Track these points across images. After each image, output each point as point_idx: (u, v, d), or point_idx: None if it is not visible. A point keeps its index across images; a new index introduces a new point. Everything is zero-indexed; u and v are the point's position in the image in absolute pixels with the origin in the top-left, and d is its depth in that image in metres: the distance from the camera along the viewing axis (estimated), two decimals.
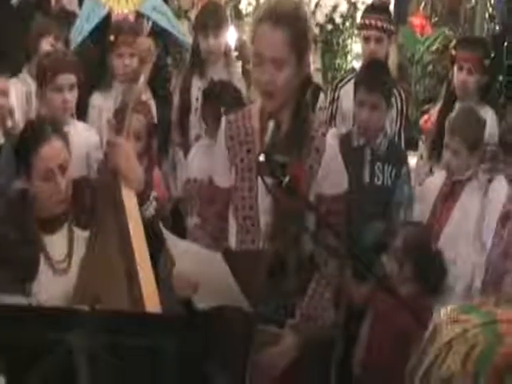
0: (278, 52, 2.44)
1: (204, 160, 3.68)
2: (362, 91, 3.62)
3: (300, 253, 2.57)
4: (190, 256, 2.48)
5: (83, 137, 3.67)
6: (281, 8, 2.48)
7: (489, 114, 3.77)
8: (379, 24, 4.16)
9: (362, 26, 4.30)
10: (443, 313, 1.20)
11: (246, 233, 2.60)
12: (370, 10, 4.42)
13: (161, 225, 2.65)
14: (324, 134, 2.57)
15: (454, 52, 4.09)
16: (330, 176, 2.58)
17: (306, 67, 2.54)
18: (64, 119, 3.52)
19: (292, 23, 2.45)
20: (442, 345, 1.15)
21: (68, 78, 3.58)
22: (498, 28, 5.46)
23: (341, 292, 2.63)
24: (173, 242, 2.50)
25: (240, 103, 3.68)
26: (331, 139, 2.59)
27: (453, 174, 3.45)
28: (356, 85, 3.74)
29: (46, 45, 3.98)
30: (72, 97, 3.61)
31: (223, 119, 2.69)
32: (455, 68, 3.98)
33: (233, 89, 3.86)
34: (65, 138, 2.73)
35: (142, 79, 2.94)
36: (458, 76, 3.95)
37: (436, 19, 6.14)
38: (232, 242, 2.65)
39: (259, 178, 2.42)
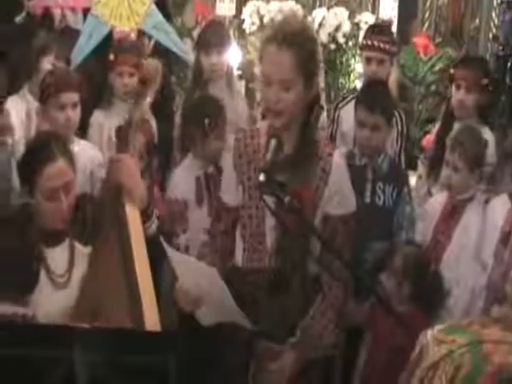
0: (284, 74, 2.45)
1: (187, 181, 3.72)
2: (362, 112, 3.62)
3: (304, 273, 2.57)
4: (190, 269, 2.50)
5: (87, 155, 3.68)
6: (288, 29, 2.48)
7: (488, 135, 3.77)
8: (381, 46, 4.17)
9: (364, 47, 4.30)
10: (430, 334, 1.20)
11: (252, 251, 2.61)
12: (372, 31, 4.41)
13: (162, 239, 2.67)
14: (331, 154, 2.58)
15: (452, 71, 4.10)
16: (338, 196, 2.58)
17: (315, 87, 2.54)
18: (67, 137, 3.49)
19: (299, 44, 2.45)
20: (428, 366, 1.15)
21: (71, 97, 3.61)
22: (501, 49, 5.46)
23: (342, 312, 2.63)
24: (173, 255, 2.52)
25: (222, 116, 3.72)
26: (338, 158, 2.60)
27: (452, 192, 3.46)
28: (357, 105, 3.73)
29: (47, 64, 4.00)
30: (75, 115, 3.63)
31: (231, 138, 2.71)
32: (453, 87, 3.99)
33: (215, 102, 3.87)
34: (70, 157, 2.74)
35: (148, 99, 2.97)
36: (455, 95, 3.96)
37: (439, 39, 6.16)
38: (239, 260, 2.66)
39: (265, 197, 2.43)
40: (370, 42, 4.22)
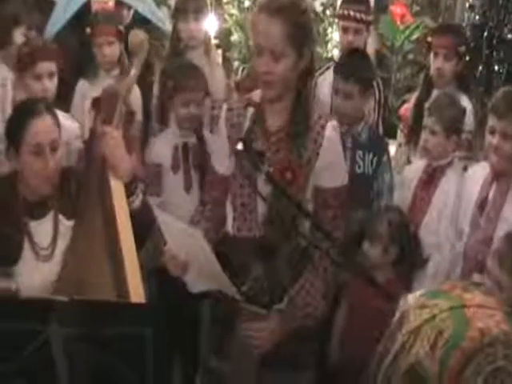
0: (274, 44, 2.45)
1: (164, 148, 3.71)
2: (337, 79, 3.64)
3: (295, 243, 2.58)
4: (176, 232, 2.50)
5: (64, 126, 3.64)
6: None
7: (466, 103, 3.79)
8: (357, 15, 4.16)
9: (340, 17, 4.30)
10: (411, 298, 1.21)
11: (243, 220, 2.62)
12: (347, 0, 4.40)
13: (136, 203, 2.67)
14: (323, 126, 2.57)
15: (430, 39, 4.11)
16: (330, 168, 2.59)
17: (306, 59, 2.53)
18: None
19: (290, 15, 2.44)
20: (410, 331, 1.16)
21: (47, 66, 3.56)
22: (477, 18, 5.47)
23: (329, 284, 2.64)
24: (161, 216, 2.52)
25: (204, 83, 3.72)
26: (331, 131, 2.59)
27: (430, 157, 3.49)
28: (334, 73, 3.74)
29: (20, 35, 3.93)
30: (52, 85, 3.59)
31: (224, 107, 2.70)
32: (431, 55, 4.01)
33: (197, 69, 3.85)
34: (56, 118, 2.76)
35: (134, 71, 2.94)
36: (434, 62, 3.99)
37: (417, 8, 6.16)
38: (229, 228, 2.67)
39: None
40: (345, 12, 4.21)
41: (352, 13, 4.18)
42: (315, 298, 2.58)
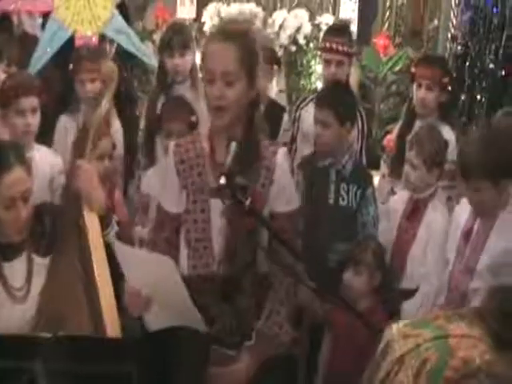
0: (228, 66, 2.46)
1: (156, 179, 3.70)
2: (315, 109, 3.66)
3: (255, 274, 2.56)
4: (141, 263, 2.43)
5: (47, 161, 3.64)
6: (230, 26, 2.57)
7: (448, 133, 3.82)
8: (339, 48, 4.20)
9: (323, 49, 4.33)
10: (395, 328, 1.22)
11: (198, 257, 2.58)
12: (330, 32, 4.45)
13: (112, 235, 2.64)
14: (274, 153, 2.59)
15: (413, 69, 4.15)
16: (283, 193, 2.59)
17: (256, 85, 2.55)
18: (27, 143, 3.48)
19: (242, 41, 2.48)
20: (394, 360, 1.16)
21: (31, 101, 3.56)
22: (459, 48, 5.54)
23: (302, 310, 2.63)
24: (121, 249, 2.46)
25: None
26: (281, 156, 2.61)
27: (413, 190, 3.51)
28: (315, 103, 3.75)
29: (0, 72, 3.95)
30: (34, 120, 3.58)
31: (171, 144, 2.69)
32: (414, 85, 4.04)
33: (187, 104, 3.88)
34: (28, 166, 2.69)
35: (105, 102, 2.92)
36: (417, 93, 4.01)
37: (399, 40, 6.23)
38: (184, 268, 2.60)
39: (211, 201, 2.44)
40: (328, 45, 4.25)
41: (334, 45, 4.21)
42: (283, 325, 2.56)
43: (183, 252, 2.62)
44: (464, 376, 1.13)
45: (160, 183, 3.63)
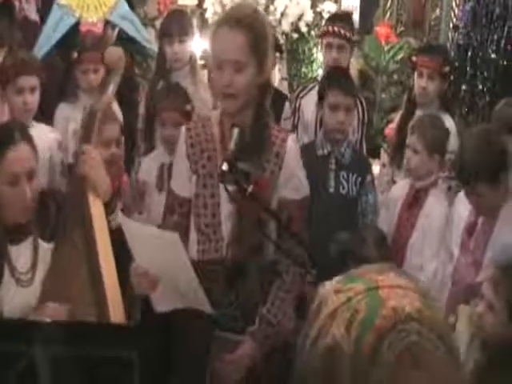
0: (237, 54, 2.46)
1: (151, 166, 3.74)
2: (335, 95, 3.64)
3: (262, 260, 2.57)
4: (148, 240, 2.42)
5: (46, 138, 3.65)
6: (239, 12, 2.53)
7: (449, 122, 3.82)
8: (341, 31, 4.22)
9: (324, 34, 4.35)
10: (328, 285, 1.24)
11: (207, 242, 2.59)
12: (332, 18, 4.49)
13: (120, 213, 2.64)
14: (284, 140, 2.59)
15: (415, 59, 4.15)
16: (293, 180, 2.60)
17: (266, 71, 2.55)
18: (25, 121, 3.49)
19: (251, 26, 2.47)
20: (326, 315, 1.19)
21: (30, 80, 3.57)
22: (461, 38, 5.52)
23: (303, 299, 2.64)
24: (129, 226, 2.46)
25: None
26: (292, 143, 2.61)
27: (413, 176, 3.51)
28: (327, 90, 3.71)
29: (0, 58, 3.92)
30: (34, 99, 3.59)
31: (182, 128, 2.70)
32: (416, 74, 4.04)
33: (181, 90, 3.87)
34: (32, 145, 2.71)
35: (111, 89, 2.92)
36: (418, 82, 4.02)
37: (401, 29, 6.21)
38: (193, 252, 2.61)
39: (221, 186, 2.43)
40: (330, 29, 4.27)
41: (336, 29, 4.23)
42: (287, 313, 2.58)
43: (192, 236, 2.62)
44: (394, 323, 1.15)
45: (157, 170, 3.67)
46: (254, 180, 2.40)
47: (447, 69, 4.05)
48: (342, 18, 4.44)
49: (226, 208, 2.54)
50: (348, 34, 4.23)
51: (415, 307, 1.17)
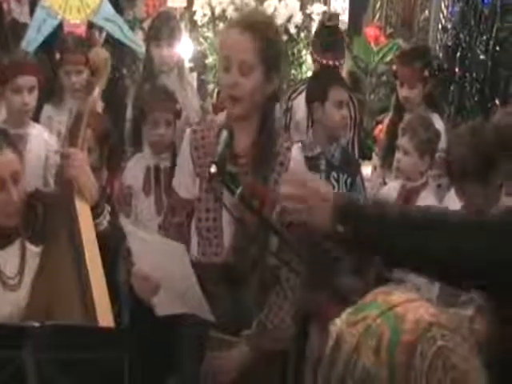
0: (244, 54, 2.42)
1: (136, 168, 3.70)
2: (339, 91, 3.62)
3: (263, 267, 2.54)
4: (151, 247, 2.41)
5: (43, 139, 3.65)
6: (252, 16, 2.52)
7: (438, 123, 3.82)
8: None
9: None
10: (340, 321, 1.23)
11: (208, 245, 2.58)
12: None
13: (121, 218, 2.63)
14: (289, 149, 2.57)
15: (395, 68, 4.15)
16: None
17: (275, 82, 2.51)
18: (23, 121, 3.54)
19: (262, 31, 2.43)
20: (350, 350, 1.18)
21: (28, 80, 3.56)
22: (450, 39, 5.54)
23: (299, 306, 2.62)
24: (132, 231, 2.45)
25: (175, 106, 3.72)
26: (296, 152, 2.59)
27: (404, 177, 3.50)
28: (327, 87, 3.64)
29: None
30: (32, 99, 3.58)
31: (188, 130, 2.68)
32: (398, 83, 4.04)
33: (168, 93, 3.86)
34: (18, 151, 2.68)
35: (97, 91, 2.90)
36: (400, 91, 4.04)
37: (390, 30, 6.23)
38: (193, 254, 2.60)
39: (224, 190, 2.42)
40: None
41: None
42: (284, 320, 2.55)
43: (193, 239, 2.61)
44: (420, 334, 1.18)
45: (144, 173, 3.64)
46: (258, 189, 2.39)
47: (427, 72, 4.04)
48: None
49: (227, 213, 2.53)
50: None
51: (432, 314, 1.20)
